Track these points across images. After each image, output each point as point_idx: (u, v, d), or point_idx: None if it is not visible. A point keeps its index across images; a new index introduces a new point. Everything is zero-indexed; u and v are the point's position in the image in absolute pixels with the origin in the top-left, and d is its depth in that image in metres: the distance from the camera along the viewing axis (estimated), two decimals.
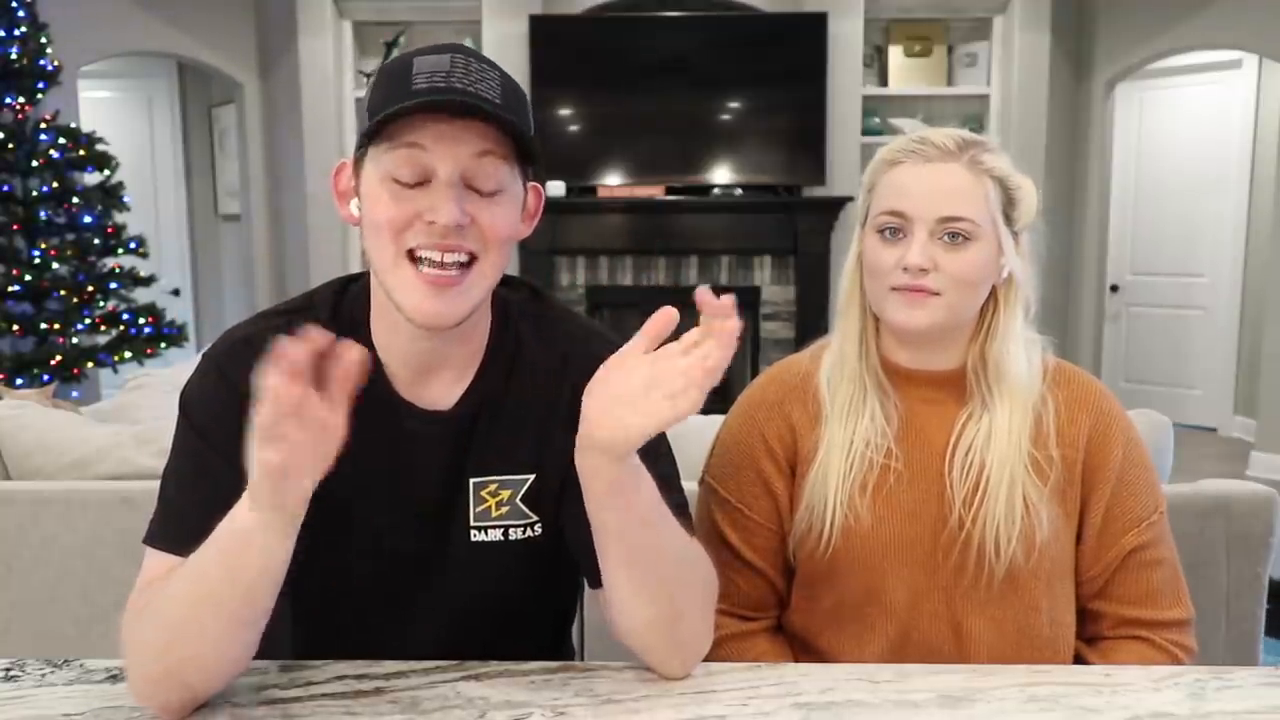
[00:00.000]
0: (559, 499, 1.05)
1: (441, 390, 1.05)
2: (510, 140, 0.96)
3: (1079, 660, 1.22)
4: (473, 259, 0.96)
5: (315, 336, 0.79)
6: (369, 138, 0.95)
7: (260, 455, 0.81)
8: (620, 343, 1.12)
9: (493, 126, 0.94)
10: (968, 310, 1.19)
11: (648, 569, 0.96)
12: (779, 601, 1.28)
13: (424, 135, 0.93)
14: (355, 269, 1.14)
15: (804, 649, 1.26)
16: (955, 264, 1.15)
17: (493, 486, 1.05)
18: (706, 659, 1.05)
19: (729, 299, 0.84)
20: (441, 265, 0.95)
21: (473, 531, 1.05)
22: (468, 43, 5.59)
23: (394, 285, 0.96)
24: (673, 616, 0.99)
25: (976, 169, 1.16)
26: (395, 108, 0.91)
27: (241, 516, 0.86)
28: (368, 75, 5.26)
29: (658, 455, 1.05)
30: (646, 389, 0.85)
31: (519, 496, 1.05)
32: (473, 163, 0.95)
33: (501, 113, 0.94)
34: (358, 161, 0.99)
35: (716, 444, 1.30)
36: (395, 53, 5.23)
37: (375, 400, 1.01)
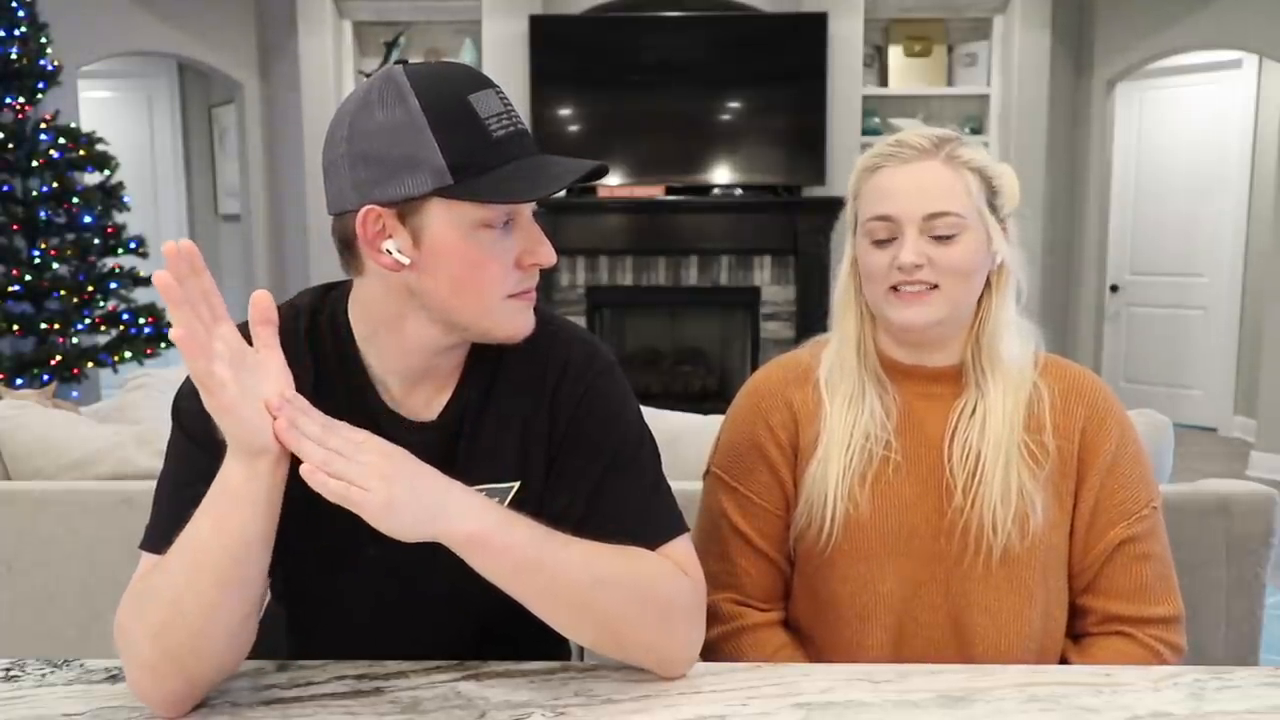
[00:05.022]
0: (543, 505, 1.04)
1: (425, 400, 1.05)
2: None
3: (1063, 660, 1.23)
4: None
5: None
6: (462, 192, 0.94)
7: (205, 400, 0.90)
8: (601, 346, 1.12)
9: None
10: (967, 302, 1.21)
11: (545, 604, 0.96)
12: (786, 592, 1.29)
13: None
14: None
15: (802, 639, 1.26)
16: (947, 257, 1.17)
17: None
18: (726, 649, 1.04)
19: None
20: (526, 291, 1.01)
21: None
22: (468, 43, 5.57)
23: (496, 322, 0.99)
24: (610, 639, 0.99)
25: (955, 163, 1.18)
26: (548, 186, 0.97)
27: (226, 472, 0.91)
28: (367, 76, 5.25)
29: (629, 463, 1.05)
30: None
31: (505, 504, 1.04)
32: None
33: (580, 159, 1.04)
34: (406, 208, 0.94)
35: (721, 435, 1.31)
36: (395, 53, 5.22)
37: (364, 411, 1.01)
